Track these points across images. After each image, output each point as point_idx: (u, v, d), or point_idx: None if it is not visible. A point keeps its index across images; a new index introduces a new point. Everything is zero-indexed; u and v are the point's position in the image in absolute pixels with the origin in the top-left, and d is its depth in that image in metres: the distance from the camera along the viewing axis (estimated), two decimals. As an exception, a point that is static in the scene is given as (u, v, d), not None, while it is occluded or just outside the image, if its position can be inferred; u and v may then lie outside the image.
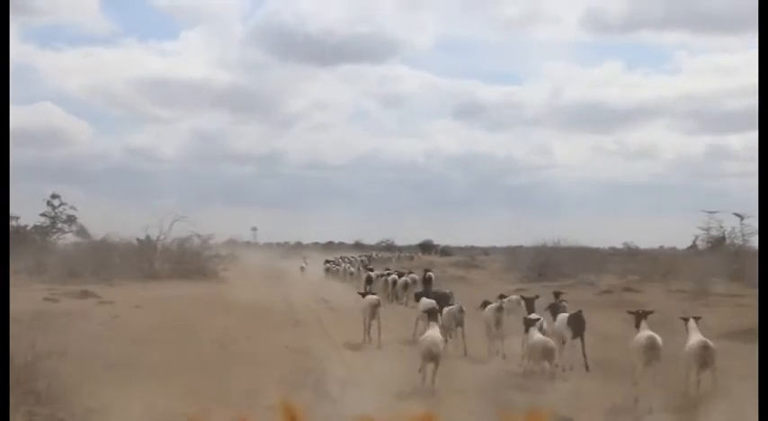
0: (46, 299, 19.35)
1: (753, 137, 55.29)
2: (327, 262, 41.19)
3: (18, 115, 52.15)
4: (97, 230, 33.61)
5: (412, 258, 57.33)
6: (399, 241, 63.76)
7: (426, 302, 14.87)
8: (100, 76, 70.37)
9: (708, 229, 32.58)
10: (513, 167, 67.51)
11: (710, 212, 32.25)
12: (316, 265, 41.66)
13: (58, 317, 15.28)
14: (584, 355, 12.35)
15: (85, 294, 21.01)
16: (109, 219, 33.30)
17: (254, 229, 51.44)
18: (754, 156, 54.42)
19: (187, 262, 32.06)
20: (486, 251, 65.66)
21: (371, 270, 30.99)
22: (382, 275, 28.01)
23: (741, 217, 30.43)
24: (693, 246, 34.96)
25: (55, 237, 39.96)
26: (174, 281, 27.69)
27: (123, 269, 27.83)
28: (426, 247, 68.65)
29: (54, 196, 40.61)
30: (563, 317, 13.07)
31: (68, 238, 39.47)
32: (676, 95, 70.97)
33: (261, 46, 74.28)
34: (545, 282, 28.83)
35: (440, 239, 65.71)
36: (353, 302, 23.20)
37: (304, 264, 40.49)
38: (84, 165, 58.07)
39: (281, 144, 70.14)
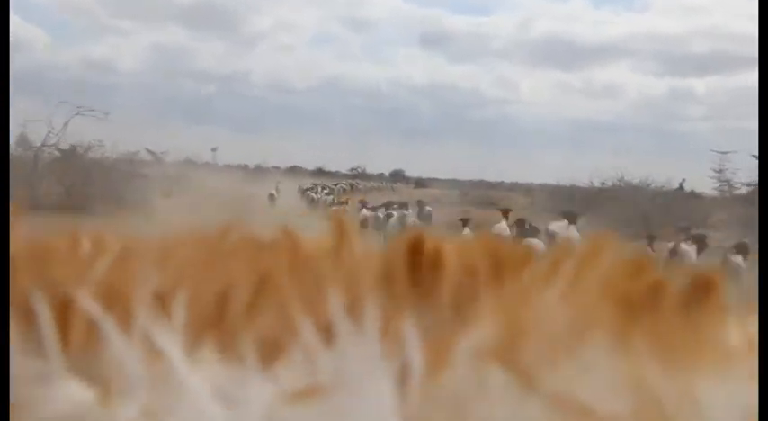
0: None
1: (716, 81, 59.18)
2: (308, 190, 29.74)
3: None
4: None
5: (392, 189, 47.20)
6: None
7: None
8: None
9: (721, 171, 27.62)
10: (478, 100, 62.19)
11: (723, 152, 27.33)
12: (286, 193, 30.61)
13: None
14: None
15: None
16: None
17: (214, 150, 43.64)
18: (718, 101, 55.48)
19: (96, 183, 19.75)
20: (459, 184, 56.44)
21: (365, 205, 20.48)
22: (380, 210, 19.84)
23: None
24: (680, 188, 30.44)
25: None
26: (64, 215, 15.52)
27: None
28: (397, 177, 59.77)
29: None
30: None
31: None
32: (643, 34, 64.79)
33: None
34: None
35: (405, 169, 59.92)
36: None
37: (275, 192, 28.70)
38: (41, 76, 48.22)
39: (244, 64, 61.66)
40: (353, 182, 44.25)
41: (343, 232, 0.44)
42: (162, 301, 0.38)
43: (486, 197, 39.28)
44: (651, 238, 15.18)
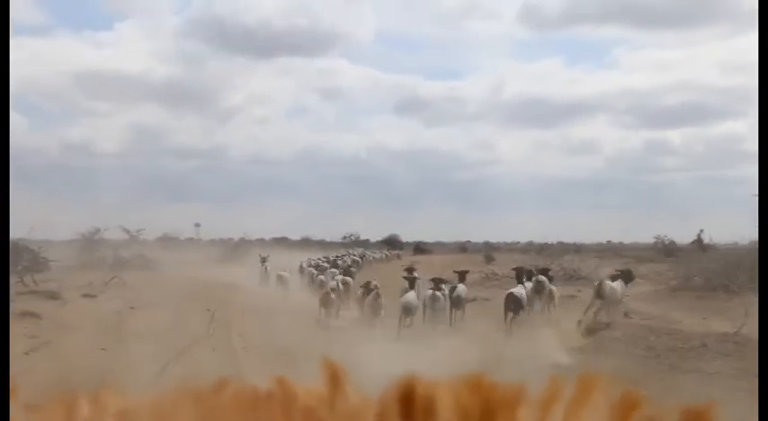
0: None
1: (691, 132, 58.65)
2: (319, 266, 21.32)
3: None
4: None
5: (399, 257, 41.15)
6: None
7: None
8: (34, 68, 58.44)
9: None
10: (456, 163, 60.22)
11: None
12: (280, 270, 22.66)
13: None
14: None
15: None
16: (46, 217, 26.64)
17: (198, 225, 41.58)
18: (693, 152, 55.00)
19: None
20: (462, 247, 49.42)
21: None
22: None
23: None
24: (698, 240, 28.56)
25: None
26: None
27: None
28: (393, 243, 53.09)
29: None
30: None
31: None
32: (615, 91, 62.82)
33: (196, 38, 65.91)
34: None
35: (398, 234, 55.60)
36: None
37: (285, 273, 19.71)
38: (21, 161, 45.19)
39: (222, 138, 61.16)
40: (363, 252, 37.79)
41: (336, 379, 0.42)
42: None
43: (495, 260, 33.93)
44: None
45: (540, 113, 63.80)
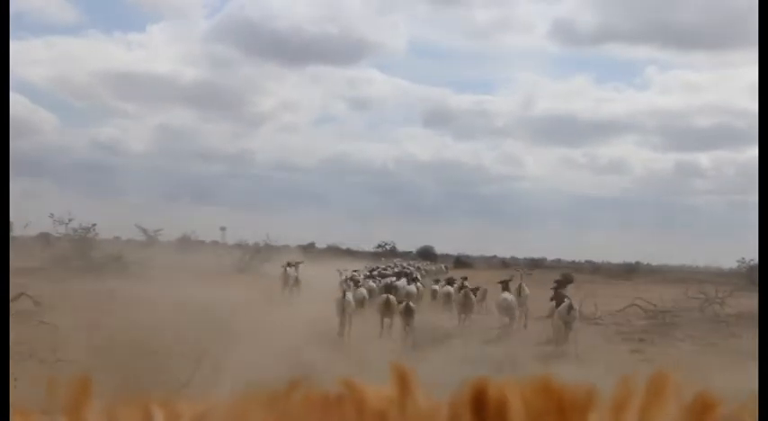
0: None
1: (720, 155, 59.15)
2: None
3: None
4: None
5: (447, 270, 38.65)
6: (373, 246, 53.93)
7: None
8: (64, 67, 60.46)
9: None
10: (483, 177, 60.62)
11: None
12: (312, 290, 17.94)
13: None
14: None
15: None
16: (70, 213, 23.43)
17: (223, 229, 40.80)
18: (722, 175, 53.75)
19: None
20: (501, 262, 48.28)
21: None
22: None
23: None
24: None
25: None
26: None
27: None
28: (427, 255, 50.84)
29: None
30: None
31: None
32: (645, 111, 62.76)
33: (227, 42, 67.21)
34: None
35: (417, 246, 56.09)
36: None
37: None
38: (49, 158, 50.67)
39: (250, 143, 62.56)
40: (411, 264, 34.85)
41: (406, 382, 0.42)
42: None
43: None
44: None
45: (569, 131, 63.09)
